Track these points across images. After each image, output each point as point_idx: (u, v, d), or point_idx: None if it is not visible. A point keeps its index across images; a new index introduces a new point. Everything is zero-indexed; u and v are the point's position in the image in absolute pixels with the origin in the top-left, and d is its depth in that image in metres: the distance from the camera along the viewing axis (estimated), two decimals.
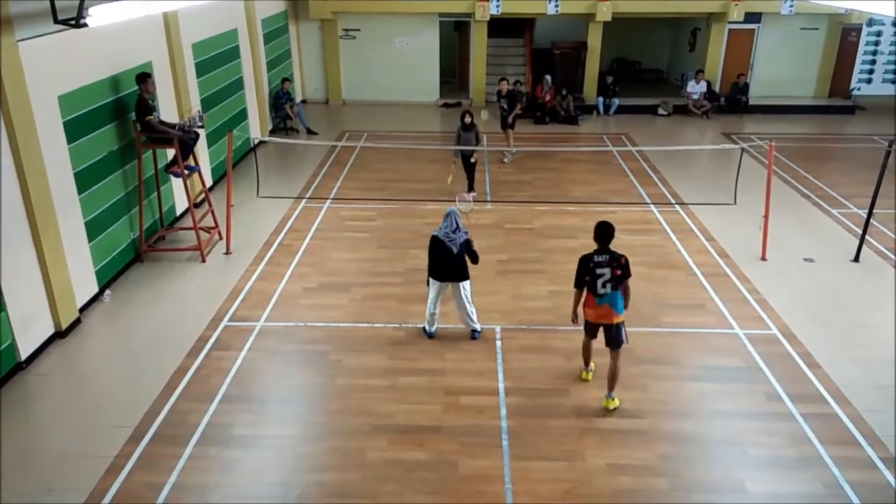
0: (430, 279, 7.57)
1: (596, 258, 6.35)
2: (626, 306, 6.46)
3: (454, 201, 8.06)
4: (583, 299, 6.56)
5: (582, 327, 6.80)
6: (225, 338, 7.81)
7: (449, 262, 7.36)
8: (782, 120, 17.61)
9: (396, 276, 9.21)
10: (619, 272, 6.29)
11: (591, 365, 7.05)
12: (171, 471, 5.83)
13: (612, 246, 6.41)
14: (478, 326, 7.77)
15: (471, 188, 11.99)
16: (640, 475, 5.82)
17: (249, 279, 9.13)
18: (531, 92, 17.80)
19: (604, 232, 6.39)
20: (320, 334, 7.92)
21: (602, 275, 6.30)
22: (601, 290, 6.34)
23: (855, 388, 6.90)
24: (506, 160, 13.99)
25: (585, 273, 6.39)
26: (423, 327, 7.86)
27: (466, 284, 7.52)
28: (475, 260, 7.49)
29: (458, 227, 7.36)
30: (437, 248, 7.37)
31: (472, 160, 11.74)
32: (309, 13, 17.93)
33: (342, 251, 10.00)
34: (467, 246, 7.37)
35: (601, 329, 6.59)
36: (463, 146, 11.64)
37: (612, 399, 6.58)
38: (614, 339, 6.47)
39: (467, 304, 7.59)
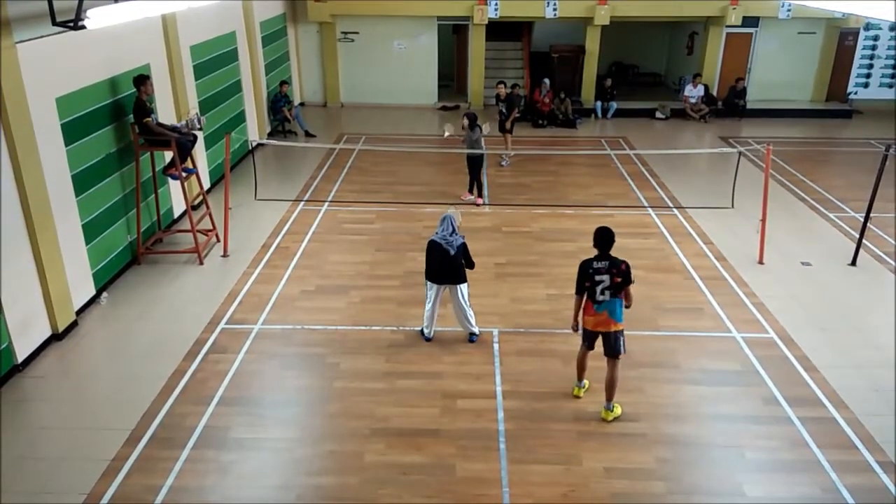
0: (428, 282, 7.57)
1: (595, 264, 6.24)
2: (627, 307, 6.34)
3: (455, 205, 8.03)
4: (583, 306, 6.45)
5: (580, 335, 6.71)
6: (222, 340, 7.80)
7: (446, 264, 7.36)
8: (780, 124, 17.65)
9: (394, 279, 9.21)
10: (618, 279, 6.17)
11: (585, 382, 6.89)
12: (168, 474, 5.82)
13: (613, 251, 6.33)
14: (476, 330, 7.77)
15: (475, 192, 11.94)
16: (637, 479, 5.82)
17: (247, 282, 9.12)
18: (529, 95, 17.83)
19: (603, 238, 6.28)
20: (318, 337, 7.91)
21: (601, 281, 6.20)
22: (599, 297, 6.24)
23: (852, 392, 6.91)
24: (503, 164, 13.99)
25: (585, 279, 6.29)
26: (421, 330, 7.85)
27: (464, 287, 7.52)
28: (471, 265, 7.50)
29: (454, 231, 7.38)
30: (435, 250, 7.38)
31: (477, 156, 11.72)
32: (307, 16, 17.95)
33: (340, 254, 10.00)
34: (464, 249, 7.39)
35: (599, 339, 6.48)
36: (468, 147, 11.56)
37: (611, 410, 6.50)
38: (612, 349, 6.37)
39: (466, 308, 7.60)
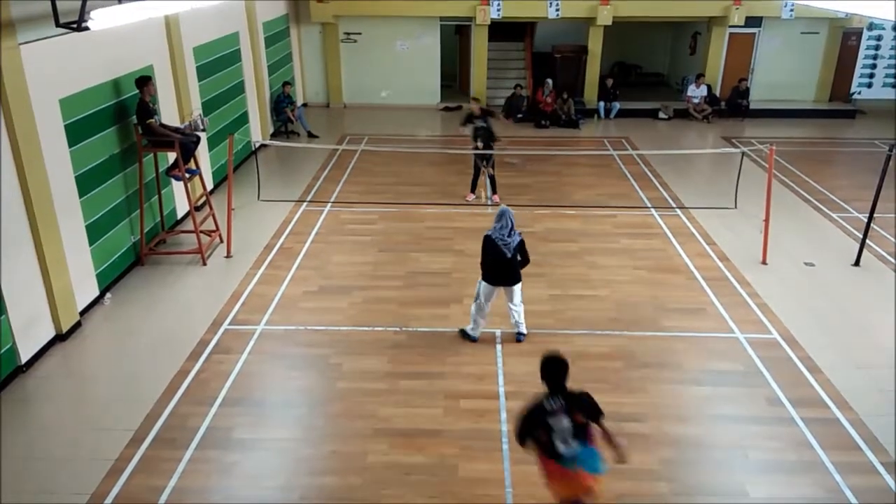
0: (482, 281, 7.41)
1: (548, 405, 4.52)
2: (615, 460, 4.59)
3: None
4: (539, 464, 4.69)
5: None
6: (225, 341, 7.81)
7: (503, 265, 7.22)
8: (783, 124, 17.62)
9: (397, 280, 9.21)
10: (582, 421, 4.52)
11: None
12: (171, 474, 5.83)
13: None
14: (524, 329, 7.67)
15: (487, 191, 12.07)
16: (640, 479, 5.81)
17: (250, 282, 9.13)
18: (532, 96, 17.83)
19: (551, 369, 4.59)
20: (321, 338, 7.91)
21: (561, 428, 4.49)
22: (563, 449, 4.49)
23: (856, 393, 6.89)
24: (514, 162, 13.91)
25: (534, 428, 4.54)
26: (465, 330, 7.75)
27: (518, 287, 7.40)
28: (526, 262, 7.39)
29: (512, 228, 7.20)
30: (491, 249, 7.22)
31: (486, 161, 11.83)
32: (310, 16, 17.95)
33: (343, 255, 10.00)
34: (521, 247, 7.26)
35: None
36: (478, 148, 11.64)
37: None
38: None
39: (519, 306, 7.48)
